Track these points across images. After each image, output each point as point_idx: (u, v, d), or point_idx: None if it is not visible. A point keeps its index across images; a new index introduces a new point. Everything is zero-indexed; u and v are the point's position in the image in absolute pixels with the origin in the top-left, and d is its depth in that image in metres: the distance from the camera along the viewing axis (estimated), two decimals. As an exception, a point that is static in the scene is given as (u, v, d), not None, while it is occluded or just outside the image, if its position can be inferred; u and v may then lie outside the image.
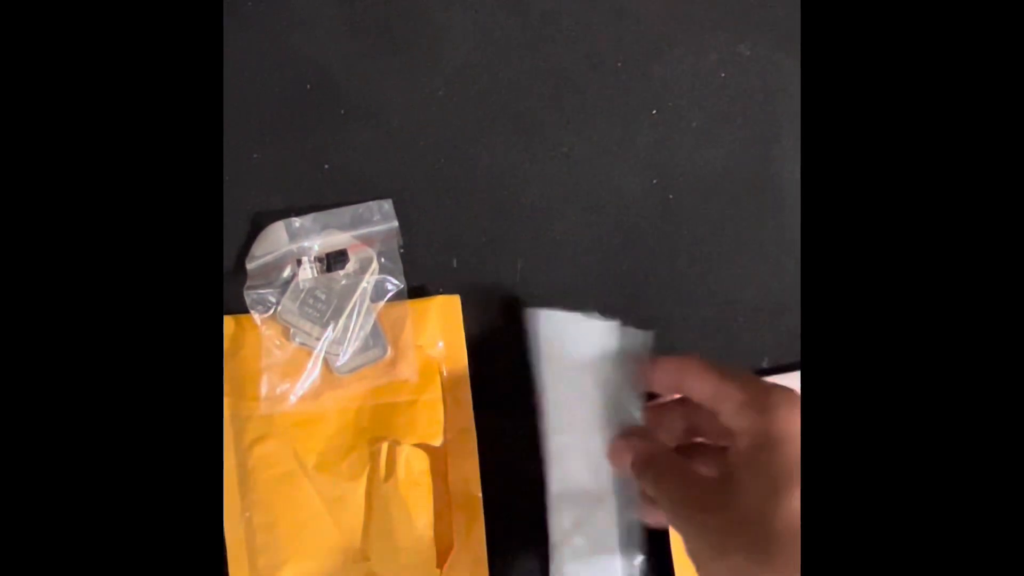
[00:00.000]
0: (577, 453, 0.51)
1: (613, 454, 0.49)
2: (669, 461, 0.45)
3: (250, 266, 0.53)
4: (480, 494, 0.54)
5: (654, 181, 0.58)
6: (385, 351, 0.53)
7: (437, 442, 0.53)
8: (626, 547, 0.51)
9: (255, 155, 0.56)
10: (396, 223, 0.55)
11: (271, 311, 0.53)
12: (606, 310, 0.56)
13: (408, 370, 0.53)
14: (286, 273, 0.53)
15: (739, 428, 0.41)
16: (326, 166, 0.57)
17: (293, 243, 0.53)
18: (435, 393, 0.54)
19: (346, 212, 0.55)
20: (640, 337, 0.51)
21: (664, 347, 0.57)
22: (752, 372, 0.48)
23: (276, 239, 0.53)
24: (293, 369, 0.53)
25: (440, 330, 0.55)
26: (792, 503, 0.37)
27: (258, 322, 0.53)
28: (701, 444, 0.49)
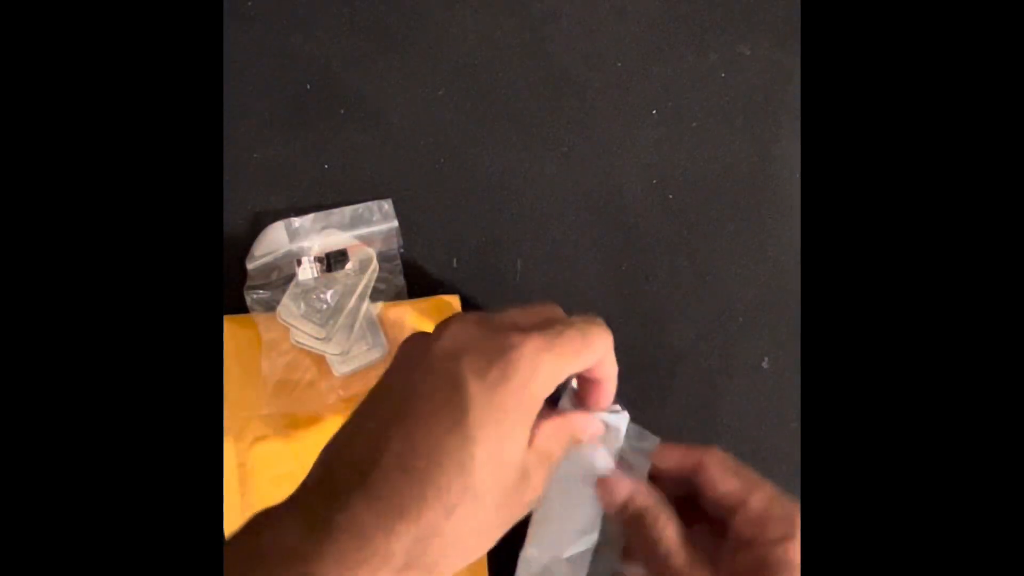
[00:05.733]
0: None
1: (607, 487, 0.44)
2: (669, 514, 0.42)
3: (250, 266, 0.53)
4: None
5: (654, 181, 0.58)
6: (385, 351, 0.53)
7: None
8: None
9: (255, 155, 0.56)
10: (396, 223, 0.55)
11: (271, 311, 0.53)
12: (606, 310, 0.57)
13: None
14: (286, 273, 0.53)
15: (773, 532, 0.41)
16: (326, 166, 0.57)
17: (293, 243, 0.53)
18: (435, 393, 0.54)
19: (346, 212, 0.55)
20: (647, 440, 0.46)
21: (664, 347, 0.57)
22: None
23: (276, 239, 0.53)
24: (293, 369, 0.53)
25: (440, 330, 0.55)
26: None
27: (258, 322, 0.53)
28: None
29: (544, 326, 0.38)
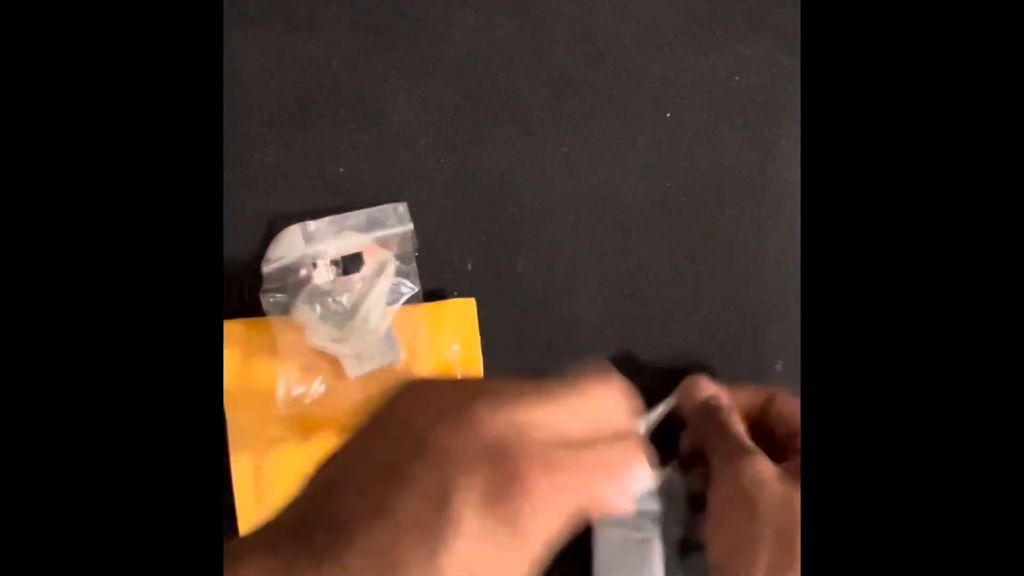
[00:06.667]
0: None
1: (691, 387, 0.53)
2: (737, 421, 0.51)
3: (266, 269, 0.52)
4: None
5: (654, 181, 0.59)
6: (400, 354, 0.53)
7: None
8: None
9: (255, 156, 0.56)
10: (411, 226, 0.55)
11: (287, 314, 0.52)
12: (606, 310, 0.57)
13: (423, 373, 0.53)
14: (302, 276, 0.53)
15: None
16: (326, 167, 0.56)
17: (309, 246, 0.53)
18: (448, 397, 0.54)
19: (361, 215, 0.54)
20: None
21: (664, 347, 0.58)
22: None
23: (292, 242, 0.53)
24: (309, 372, 0.52)
25: (455, 333, 0.55)
26: None
27: (274, 325, 0.52)
28: None
29: (579, 462, 0.33)
